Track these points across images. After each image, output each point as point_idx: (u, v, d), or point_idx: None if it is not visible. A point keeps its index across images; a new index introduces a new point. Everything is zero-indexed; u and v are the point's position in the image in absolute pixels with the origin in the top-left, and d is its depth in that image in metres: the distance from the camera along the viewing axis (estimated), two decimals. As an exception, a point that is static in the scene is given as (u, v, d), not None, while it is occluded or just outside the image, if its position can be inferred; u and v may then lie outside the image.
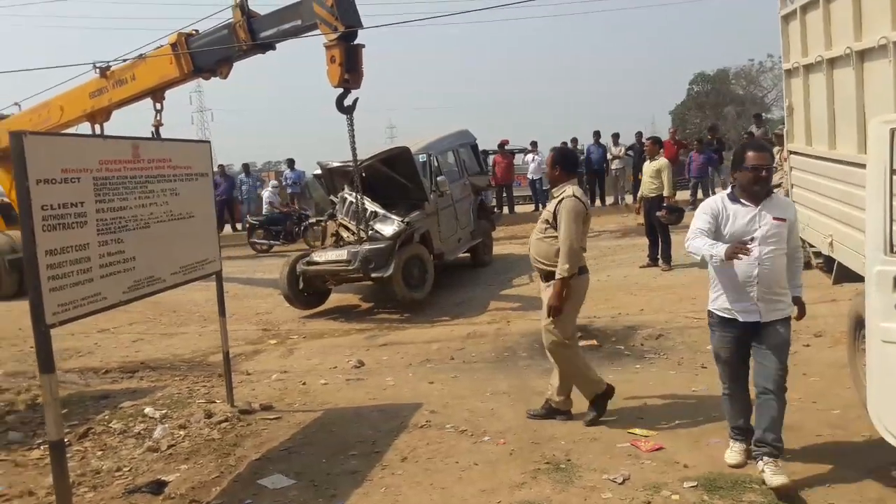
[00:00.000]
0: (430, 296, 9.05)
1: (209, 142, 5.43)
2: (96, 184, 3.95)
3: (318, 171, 10.81)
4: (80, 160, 3.86)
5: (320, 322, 8.71)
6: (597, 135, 17.55)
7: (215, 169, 17.77)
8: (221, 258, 5.39)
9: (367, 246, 8.54)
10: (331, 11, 8.22)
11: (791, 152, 6.68)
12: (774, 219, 3.62)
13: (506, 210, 17.79)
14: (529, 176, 18.36)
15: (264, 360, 7.07)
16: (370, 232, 8.78)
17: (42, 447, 4.66)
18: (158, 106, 10.72)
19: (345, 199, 9.43)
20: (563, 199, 4.51)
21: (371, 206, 8.99)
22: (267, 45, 9.41)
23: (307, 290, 9.08)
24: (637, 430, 4.42)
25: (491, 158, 17.70)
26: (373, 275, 8.48)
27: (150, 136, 10.70)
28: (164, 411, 5.29)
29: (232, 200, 18.04)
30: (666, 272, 9.76)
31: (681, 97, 49.38)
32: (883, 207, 2.97)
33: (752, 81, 49.20)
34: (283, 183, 18.26)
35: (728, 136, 36.85)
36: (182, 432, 4.87)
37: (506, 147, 18.59)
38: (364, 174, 9.00)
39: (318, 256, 8.93)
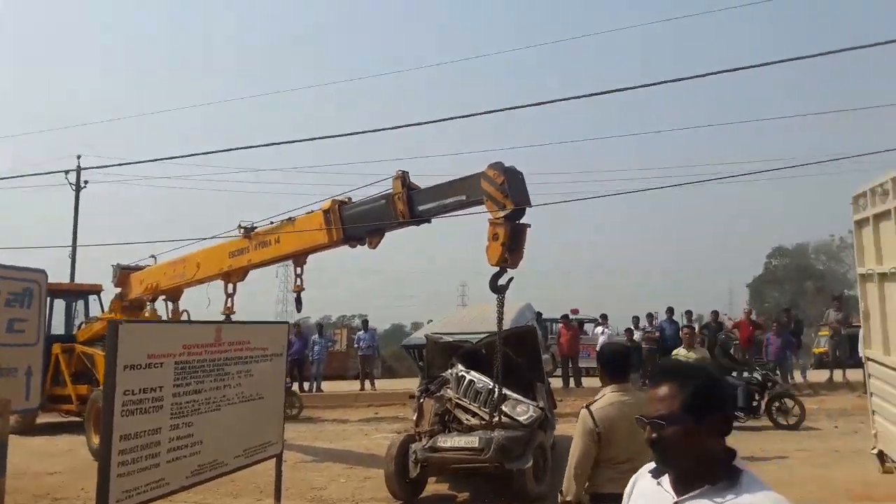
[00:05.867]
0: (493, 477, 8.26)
1: (287, 322, 5.71)
2: (177, 368, 4.16)
3: (413, 343, 10.53)
4: (166, 345, 4.10)
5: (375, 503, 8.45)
6: (670, 311, 17.33)
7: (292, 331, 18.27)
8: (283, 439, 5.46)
9: (502, 433, 7.66)
10: (500, 189, 7.71)
11: (868, 359, 6.44)
12: None
13: (572, 384, 17.38)
14: (599, 349, 18.08)
15: (316, 543, 6.85)
16: (502, 417, 7.92)
17: None
18: (299, 270, 10.43)
19: (462, 378, 8.62)
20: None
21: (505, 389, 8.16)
22: (423, 218, 8.96)
23: (418, 478, 8.02)
24: None
25: (555, 327, 17.65)
26: (508, 466, 7.50)
27: (294, 299, 10.59)
28: None
29: (303, 360, 18.05)
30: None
31: (758, 270, 48.73)
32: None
33: (833, 257, 48.33)
34: (356, 344, 18.30)
35: (808, 313, 35.76)
36: None
37: (574, 316, 18.53)
38: (484, 351, 8.51)
39: (443, 442, 7.94)
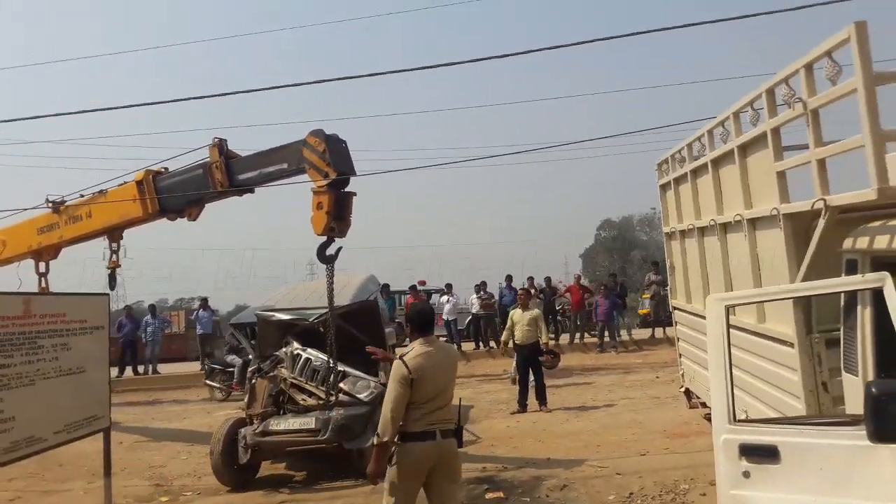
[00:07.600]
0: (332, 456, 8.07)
1: (108, 294, 5.41)
2: (-21, 342, 3.84)
3: (241, 322, 10.13)
4: (-35, 318, 3.77)
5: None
6: (508, 278, 18.37)
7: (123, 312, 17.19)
8: (111, 412, 5.20)
9: (340, 411, 7.46)
10: (322, 157, 7.65)
11: (675, 308, 7.19)
12: None
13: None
14: (445, 317, 18.70)
15: (153, 522, 6.61)
16: (339, 395, 7.71)
17: None
18: (115, 246, 9.99)
19: (298, 356, 8.25)
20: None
21: (341, 365, 7.91)
22: (245, 188, 8.78)
23: (250, 463, 7.57)
24: None
25: (404, 299, 18.08)
26: (347, 446, 7.32)
27: (107, 277, 10.11)
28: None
29: (136, 342, 17.35)
30: (573, 418, 9.92)
31: (590, 241, 52.17)
32: (724, 379, 3.13)
33: (655, 228, 52.62)
34: (196, 324, 17.66)
35: (635, 279, 38.98)
36: None
37: (422, 287, 19.09)
38: (321, 328, 8.20)
39: (276, 424, 7.59)
